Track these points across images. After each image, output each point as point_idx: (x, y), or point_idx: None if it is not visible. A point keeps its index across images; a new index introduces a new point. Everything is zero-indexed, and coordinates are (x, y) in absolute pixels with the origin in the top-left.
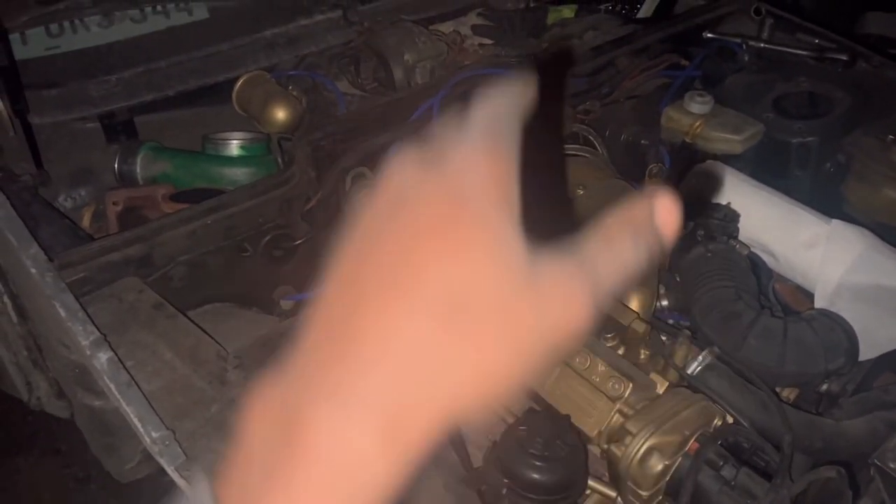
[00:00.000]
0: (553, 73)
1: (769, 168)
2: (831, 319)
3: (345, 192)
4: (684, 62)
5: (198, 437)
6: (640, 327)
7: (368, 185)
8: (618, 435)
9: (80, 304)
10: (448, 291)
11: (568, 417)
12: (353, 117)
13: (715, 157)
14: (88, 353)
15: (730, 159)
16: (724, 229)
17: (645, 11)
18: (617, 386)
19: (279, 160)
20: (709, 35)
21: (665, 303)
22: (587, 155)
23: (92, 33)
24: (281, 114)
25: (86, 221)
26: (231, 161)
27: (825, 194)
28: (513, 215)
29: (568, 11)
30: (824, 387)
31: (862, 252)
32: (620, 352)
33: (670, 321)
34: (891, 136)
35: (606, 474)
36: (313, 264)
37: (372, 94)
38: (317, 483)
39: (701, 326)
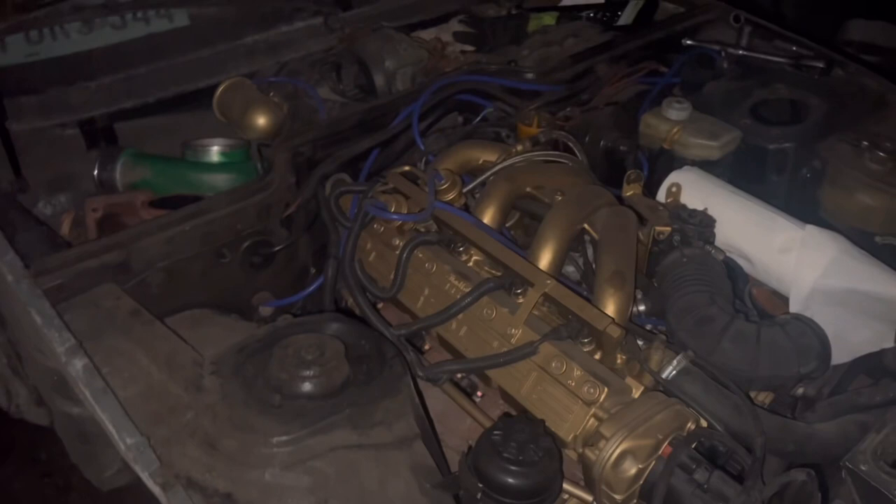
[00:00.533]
0: None
1: (746, 174)
2: (804, 323)
3: (324, 199)
4: (663, 69)
5: (173, 443)
6: (616, 332)
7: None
8: (592, 439)
9: (56, 311)
10: None
11: (543, 422)
12: (333, 123)
13: (693, 162)
14: (64, 359)
15: (707, 165)
16: (701, 234)
17: (625, 19)
18: (592, 390)
19: (259, 166)
20: (688, 42)
21: (642, 307)
22: (567, 161)
23: (72, 40)
24: (262, 120)
25: (65, 228)
26: (211, 167)
27: (801, 199)
28: None
29: (549, 19)
30: (800, 391)
31: (835, 257)
32: (596, 356)
33: (647, 326)
34: (865, 142)
35: (582, 478)
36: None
37: (353, 101)
38: None
39: (676, 331)
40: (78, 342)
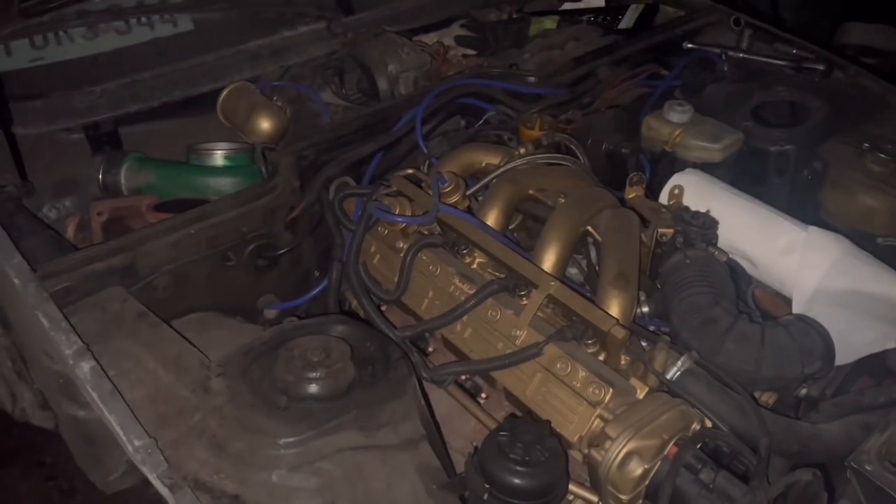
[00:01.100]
0: None
1: (748, 176)
2: (808, 324)
3: (328, 202)
4: (664, 72)
5: (180, 445)
6: (620, 333)
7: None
8: (598, 439)
9: (63, 314)
10: None
11: (548, 423)
12: (337, 127)
13: (694, 165)
14: (71, 362)
15: (709, 167)
16: (703, 236)
17: (626, 22)
18: (597, 391)
19: (263, 170)
20: (688, 45)
21: (645, 309)
22: (569, 164)
23: (76, 45)
24: (265, 124)
25: (70, 232)
26: (215, 171)
27: (802, 201)
28: None
29: (550, 22)
30: (803, 391)
31: (838, 258)
32: (601, 357)
33: (651, 327)
34: (866, 144)
35: (587, 479)
36: (296, 274)
37: (356, 105)
38: None
39: (680, 332)
40: (85, 345)
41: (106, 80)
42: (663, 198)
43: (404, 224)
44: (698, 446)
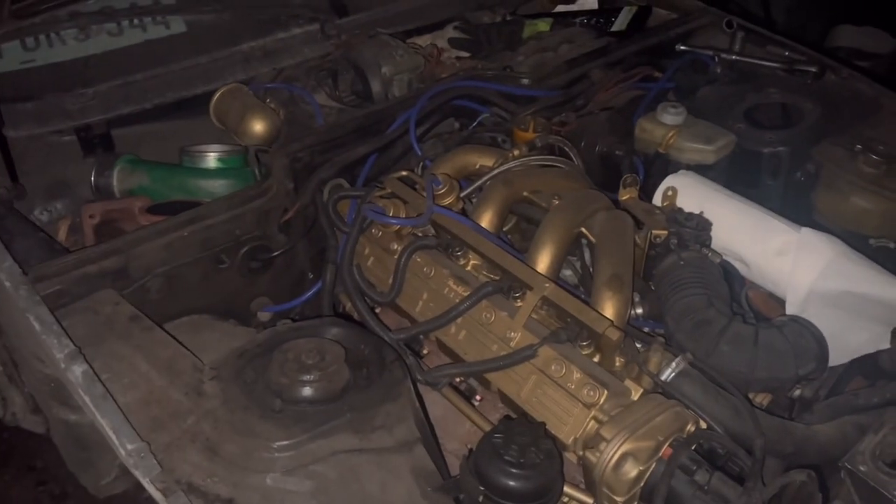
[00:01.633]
0: None
1: (741, 177)
2: (801, 325)
3: (322, 204)
4: (657, 74)
5: (174, 448)
6: (615, 334)
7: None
8: (593, 441)
9: (55, 317)
10: None
11: (543, 425)
12: (330, 129)
13: (688, 167)
14: (63, 365)
15: (702, 169)
16: (697, 238)
17: (619, 25)
18: (592, 393)
19: (256, 172)
20: (681, 48)
21: (640, 310)
22: (563, 166)
23: (68, 47)
24: (259, 126)
25: (62, 234)
26: (208, 173)
27: (795, 203)
28: None
29: (543, 25)
30: (797, 392)
31: (831, 259)
32: (595, 359)
33: (645, 329)
34: (858, 146)
35: (583, 481)
36: (290, 276)
37: (349, 107)
38: None
39: (674, 333)
40: (77, 348)
41: (98, 82)
42: (657, 200)
43: (398, 226)
44: (693, 448)
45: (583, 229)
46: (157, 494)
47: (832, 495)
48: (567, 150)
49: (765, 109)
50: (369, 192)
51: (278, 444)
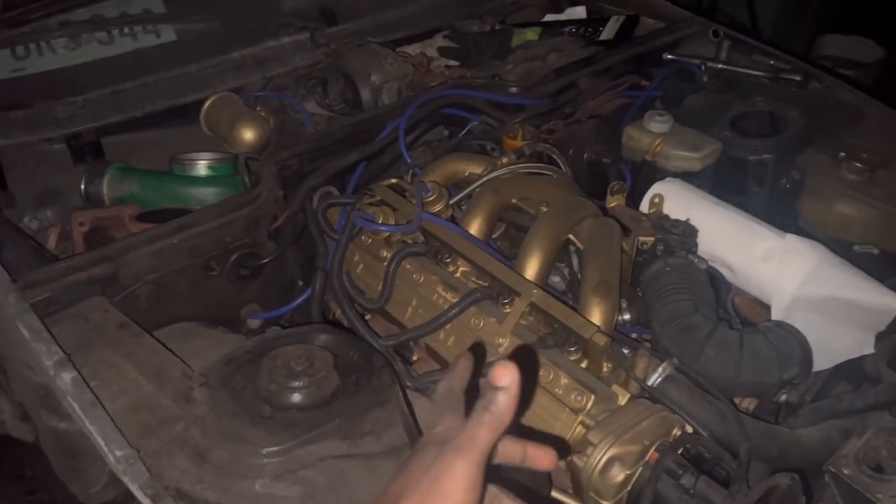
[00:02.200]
0: None
1: (727, 185)
2: (786, 331)
3: (312, 211)
4: (645, 83)
5: (162, 454)
6: (602, 340)
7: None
8: (580, 446)
9: (44, 325)
10: None
11: (530, 430)
12: (320, 137)
13: (674, 174)
14: (52, 373)
15: (689, 176)
16: (683, 244)
17: (607, 34)
18: (579, 398)
19: (246, 180)
20: (668, 56)
21: (627, 316)
22: (551, 173)
23: (58, 55)
24: (248, 134)
25: (52, 242)
26: (198, 181)
27: (781, 210)
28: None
29: (532, 34)
30: (783, 397)
31: (816, 265)
32: (583, 364)
33: (633, 334)
34: (842, 154)
35: (570, 486)
36: (280, 283)
37: (339, 115)
38: None
39: (660, 339)
40: (66, 355)
41: (88, 90)
42: (644, 207)
43: (388, 233)
44: (679, 452)
45: (571, 236)
46: (146, 501)
47: (816, 498)
48: (555, 157)
49: (751, 117)
50: (359, 199)
51: (267, 449)
